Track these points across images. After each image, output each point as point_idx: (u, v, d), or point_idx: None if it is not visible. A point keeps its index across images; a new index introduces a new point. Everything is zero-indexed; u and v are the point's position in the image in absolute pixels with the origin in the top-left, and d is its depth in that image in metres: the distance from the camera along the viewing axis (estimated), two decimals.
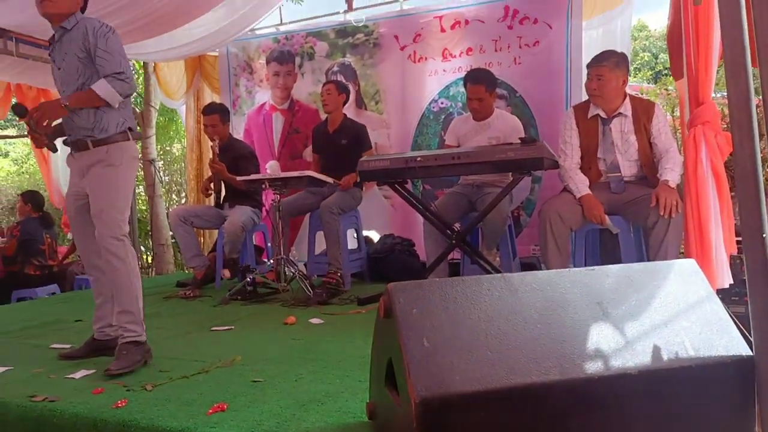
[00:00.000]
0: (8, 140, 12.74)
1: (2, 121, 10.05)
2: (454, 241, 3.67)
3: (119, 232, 2.69)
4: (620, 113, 3.39)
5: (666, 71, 15.46)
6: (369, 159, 3.73)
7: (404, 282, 1.51)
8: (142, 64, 7.34)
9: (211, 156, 4.69)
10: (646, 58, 12.97)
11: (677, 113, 5.19)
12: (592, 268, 1.55)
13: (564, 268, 3.22)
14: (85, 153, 2.73)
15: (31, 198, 5.76)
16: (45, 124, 2.60)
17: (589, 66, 3.46)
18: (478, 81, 4.05)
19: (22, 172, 11.43)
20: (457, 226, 3.97)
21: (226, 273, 4.46)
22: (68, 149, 2.93)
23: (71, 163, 2.87)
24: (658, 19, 18.72)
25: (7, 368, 2.69)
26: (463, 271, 4.04)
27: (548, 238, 3.20)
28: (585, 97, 4.74)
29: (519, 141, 3.34)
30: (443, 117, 5.39)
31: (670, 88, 6.08)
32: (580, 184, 3.30)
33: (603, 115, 3.41)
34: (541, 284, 1.49)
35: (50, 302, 4.76)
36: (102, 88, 2.62)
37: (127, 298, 2.68)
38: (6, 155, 13.92)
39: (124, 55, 2.71)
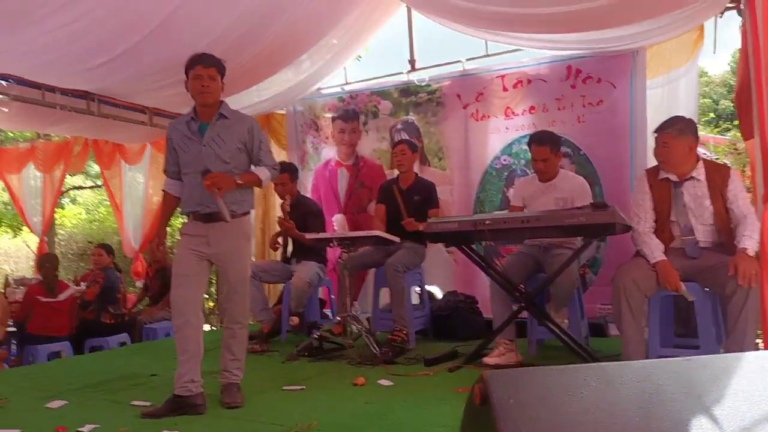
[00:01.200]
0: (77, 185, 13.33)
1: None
2: (522, 304, 3.66)
3: (249, 304, 3.38)
4: (692, 177, 3.35)
5: (726, 120, 15.18)
6: (437, 221, 3.79)
7: (499, 370, 1.53)
8: None
9: (280, 214, 4.84)
10: (711, 115, 12.78)
11: (748, 171, 5.10)
12: (688, 358, 1.54)
13: (640, 336, 3.20)
14: (218, 224, 3.12)
15: (109, 248, 6.04)
16: (219, 191, 3.02)
17: (655, 132, 3.45)
18: (543, 142, 4.07)
19: (93, 220, 11.96)
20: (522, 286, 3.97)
21: (295, 320, 4.56)
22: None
23: (192, 230, 3.19)
24: (717, 65, 18.46)
25: (94, 426, 2.80)
26: (530, 332, 4.01)
27: (623, 306, 3.16)
28: (650, 155, 4.75)
29: (590, 205, 3.34)
30: (506, 174, 5.43)
31: (739, 146, 5.97)
32: (656, 250, 3.27)
33: (674, 178, 3.39)
34: (638, 375, 1.48)
35: (123, 354, 4.93)
36: (264, 174, 3.21)
37: (242, 350, 3.29)
38: (74, 200, 14.56)
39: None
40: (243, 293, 3.25)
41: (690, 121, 3.46)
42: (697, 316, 3.22)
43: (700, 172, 3.34)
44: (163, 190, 3.42)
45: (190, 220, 3.23)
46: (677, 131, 3.32)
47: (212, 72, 3.13)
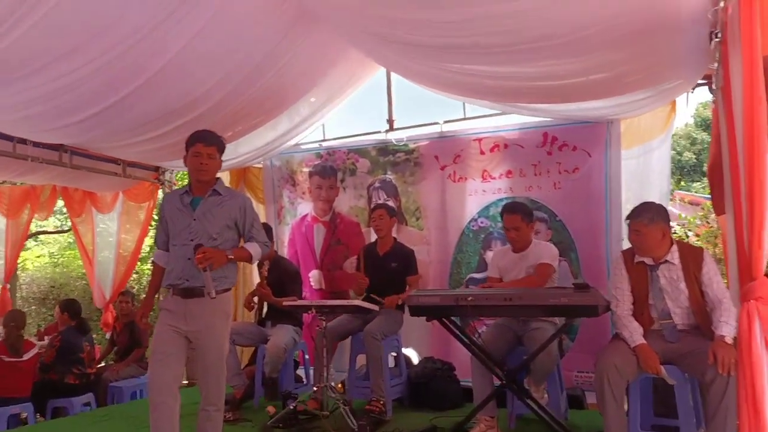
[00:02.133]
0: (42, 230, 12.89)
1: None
2: (504, 382, 3.65)
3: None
4: (667, 260, 3.41)
5: (689, 171, 15.64)
6: (419, 294, 3.78)
7: None
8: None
9: (258, 279, 4.77)
10: (681, 183, 13.14)
11: (720, 243, 5.22)
12: None
13: (622, 419, 3.22)
14: (200, 300, 3.09)
15: (68, 307, 5.82)
16: (210, 265, 3.04)
17: (627, 219, 3.53)
18: (514, 211, 4.17)
19: (56, 264, 11.60)
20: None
21: (271, 410, 4.40)
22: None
23: (171, 305, 3.17)
24: (680, 118, 18.98)
25: None
26: (510, 406, 3.98)
27: (605, 392, 3.17)
28: (624, 225, 4.85)
29: (572, 286, 3.38)
30: (483, 236, 5.46)
31: (711, 217, 6.13)
32: (635, 333, 3.30)
33: (649, 262, 3.45)
34: None
35: (88, 420, 4.70)
36: (255, 250, 3.28)
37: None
38: (36, 237, 13.97)
39: None
40: (218, 374, 3.20)
41: (660, 207, 3.53)
42: (677, 400, 3.24)
43: (674, 256, 3.40)
44: (153, 262, 3.47)
45: (170, 294, 3.23)
46: (648, 220, 3.39)
47: (212, 151, 3.26)
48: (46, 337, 6.34)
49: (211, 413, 3.17)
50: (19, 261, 10.12)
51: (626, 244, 4.63)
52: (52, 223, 12.53)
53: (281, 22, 3.98)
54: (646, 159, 4.98)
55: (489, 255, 5.38)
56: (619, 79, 4.05)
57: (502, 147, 5.43)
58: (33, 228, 10.41)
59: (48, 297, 10.14)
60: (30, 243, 13.52)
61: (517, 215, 4.14)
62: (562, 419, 3.87)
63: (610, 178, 4.97)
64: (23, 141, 5.40)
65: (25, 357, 5.13)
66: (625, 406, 3.40)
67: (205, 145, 3.24)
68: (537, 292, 3.52)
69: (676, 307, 3.36)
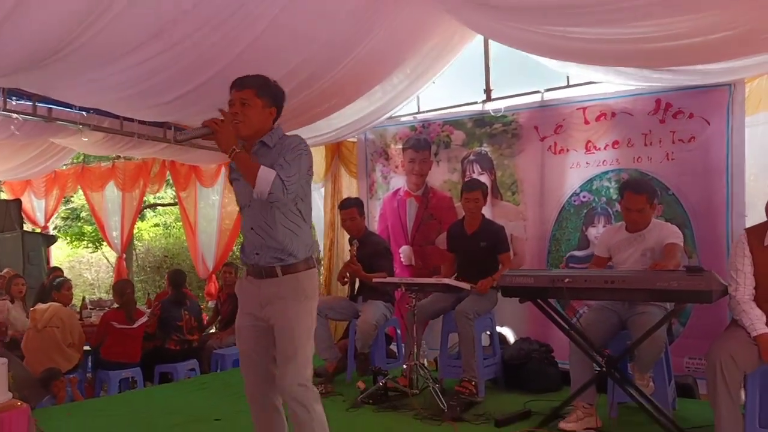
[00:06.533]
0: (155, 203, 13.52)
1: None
2: (604, 369, 3.40)
3: (305, 378, 2.52)
4: None
5: None
6: (512, 273, 3.59)
7: None
8: None
9: (349, 255, 4.76)
10: None
11: None
12: None
13: (736, 415, 2.90)
14: (272, 281, 2.55)
15: (170, 277, 6.12)
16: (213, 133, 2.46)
17: None
18: (640, 191, 3.74)
19: (169, 234, 12.25)
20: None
21: (361, 385, 4.41)
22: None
23: (246, 289, 2.67)
24: None
25: None
26: (611, 393, 3.71)
27: (718, 384, 2.86)
28: (750, 199, 4.37)
29: (684, 269, 3.07)
30: (585, 212, 5.12)
31: None
32: (756, 321, 2.95)
33: None
34: None
35: (190, 387, 4.92)
36: (265, 173, 2.42)
37: None
38: (154, 207, 14.33)
39: (302, 174, 2.54)
40: (294, 369, 2.52)
41: None
42: None
43: None
44: None
45: (245, 275, 2.71)
46: None
47: (247, 95, 2.53)
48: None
49: (295, 401, 2.53)
50: (135, 231, 10.77)
51: (750, 221, 4.20)
52: (170, 194, 13.09)
53: None
54: None
55: (591, 231, 5.06)
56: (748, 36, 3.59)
57: (608, 115, 5.03)
58: (150, 200, 11.00)
59: (162, 266, 10.74)
60: (146, 213, 14.36)
61: (643, 196, 3.70)
62: (669, 410, 3.57)
63: (732, 148, 4.47)
64: (130, 119, 5.65)
65: (136, 324, 5.40)
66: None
67: (237, 89, 2.54)
68: (643, 274, 3.23)
69: None
